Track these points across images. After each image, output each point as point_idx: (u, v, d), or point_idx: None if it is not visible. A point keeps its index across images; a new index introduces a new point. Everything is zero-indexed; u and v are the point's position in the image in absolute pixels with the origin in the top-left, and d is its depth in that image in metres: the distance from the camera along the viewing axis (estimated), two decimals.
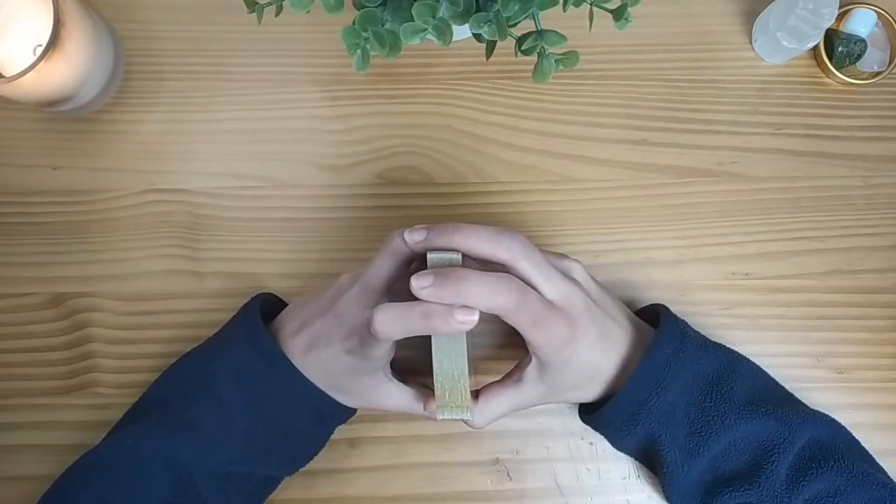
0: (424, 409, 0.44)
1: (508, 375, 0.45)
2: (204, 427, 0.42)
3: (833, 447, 0.43)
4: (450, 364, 0.40)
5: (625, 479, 0.50)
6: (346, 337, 0.42)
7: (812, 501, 0.42)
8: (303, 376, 0.43)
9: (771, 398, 0.45)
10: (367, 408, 0.46)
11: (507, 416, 0.45)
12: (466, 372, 0.40)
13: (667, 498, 0.45)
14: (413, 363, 0.48)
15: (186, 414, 0.43)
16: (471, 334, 0.40)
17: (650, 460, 0.46)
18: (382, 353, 0.42)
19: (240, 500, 0.45)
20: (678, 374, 0.43)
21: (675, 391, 0.43)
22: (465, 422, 0.44)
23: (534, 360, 0.43)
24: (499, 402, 0.44)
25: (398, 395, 0.45)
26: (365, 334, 0.40)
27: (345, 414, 0.46)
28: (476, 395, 0.45)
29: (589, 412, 0.46)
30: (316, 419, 0.45)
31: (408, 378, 0.46)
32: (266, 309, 0.46)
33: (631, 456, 0.48)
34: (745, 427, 0.43)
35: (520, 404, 0.45)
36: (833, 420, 0.45)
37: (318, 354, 0.43)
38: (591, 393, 0.45)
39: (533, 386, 0.44)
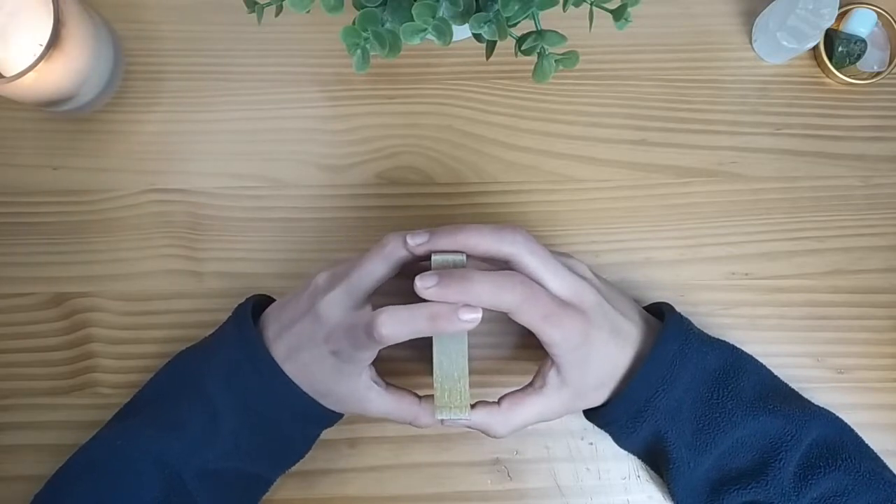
0: (416, 421, 0.44)
1: (530, 383, 0.45)
2: (192, 426, 0.42)
3: (841, 446, 0.43)
4: (450, 365, 0.40)
5: (625, 479, 0.50)
6: (328, 339, 0.41)
7: (820, 500, 0.42)
8: (288, 379, 0.42)
9: (777, 395, 0.45)
10: (351, 413, 0.46)
11: (531, 425, 0.44)
12: (466, 372, 0.40)
13: (672, 496, 0.45)
14: (403, 363, 0.48)
15: (175, 413, 0.43)
16: (470, 334, 0.40)
17: (655, 458, 0.46)
18: (369, 356, 0.42)
19: (231, 499, 0.45)
20: (684, 370, 0.43)
21: (681, 388, 0.43)
22: (481, 430, 0.44)
23: (553, 363, 0.42)
24: (523, 409, 0.43)
25: (379, 402, 0.44)
26: (361, 336, 0.39)
27: (330, 418, 0.45)
28: (499, 402, 0.44)
29: (594, 409, 0.46)
30: (301, 422, 0.45)
31: (392, 382, 0.46)
32: (260, 310, 0.46)
33: (635, 454, 0.48)
34: (753, 424, 0.43)
35: (545, 413, 0.44)
36: (839, 418, 0.45)
37: (300, 357, 0.42)
38: (610, 392, 0.45)
39: (556, 391, 0.43)
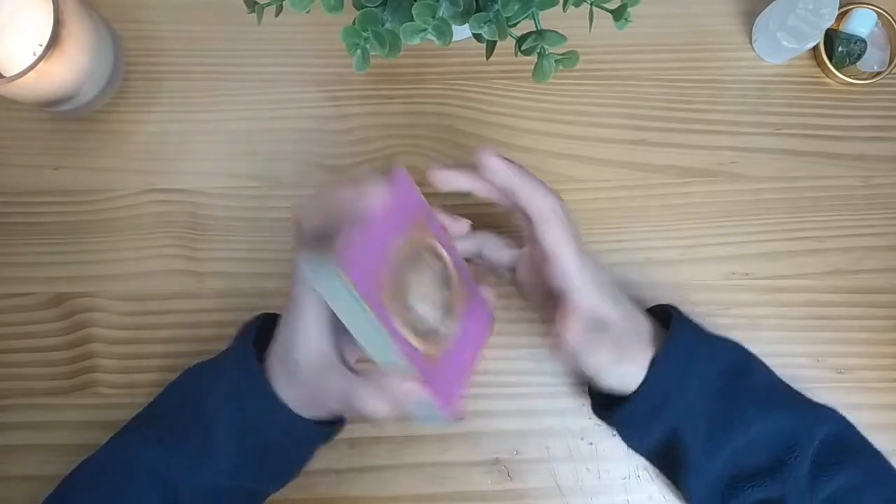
0: (400, 392, 0.40)
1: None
2: (191, 443, 0.42)
3: (851, 442, 0.44)
4: (357, 332, 0.38)
5: (625, 479, 0.50)
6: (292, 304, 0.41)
7: (835, 496, 0.42)
8: (282, 404, 0.42)
9: (785, 392, 0.45)
10: (351, 412, 0.43)
11: (589, 329, 0.42)
12: (377, 323, 0.37)
13: (686, 495, 0.45)
14: None
15: (178, 429, 0.43)
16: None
17: (666, 457, 0.46)
18: (314, 316, 0.40)
19: None
20: (698, 366, 0.43)
21: (696, 385, 0.43)
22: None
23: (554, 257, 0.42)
24: (570, 320, 0.42)
25: (363, 389, 0.40)
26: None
27: (326, 435, 0.45)
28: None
29: (606, 409, 0.46)
30: (299, 444, 0.44)
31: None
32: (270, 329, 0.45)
33: (644, 454, 0.48)
34: (767, 421, 0.43)
35: (587, 309, 0.42)
36: (841, 414, 0.45)
37: (288, 367, 0.42)
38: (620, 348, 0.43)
39: (579, 274, 0.42)
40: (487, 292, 0.46)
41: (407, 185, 0.42)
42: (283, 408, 0.42)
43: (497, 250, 0.46)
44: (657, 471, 0.50)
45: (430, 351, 0.40)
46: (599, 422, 0.50)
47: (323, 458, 0.48)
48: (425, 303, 0.41)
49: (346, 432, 0.49)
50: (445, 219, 0.44)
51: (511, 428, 0.51)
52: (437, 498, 0.50)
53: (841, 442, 0.44)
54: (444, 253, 0.43)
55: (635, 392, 0.43)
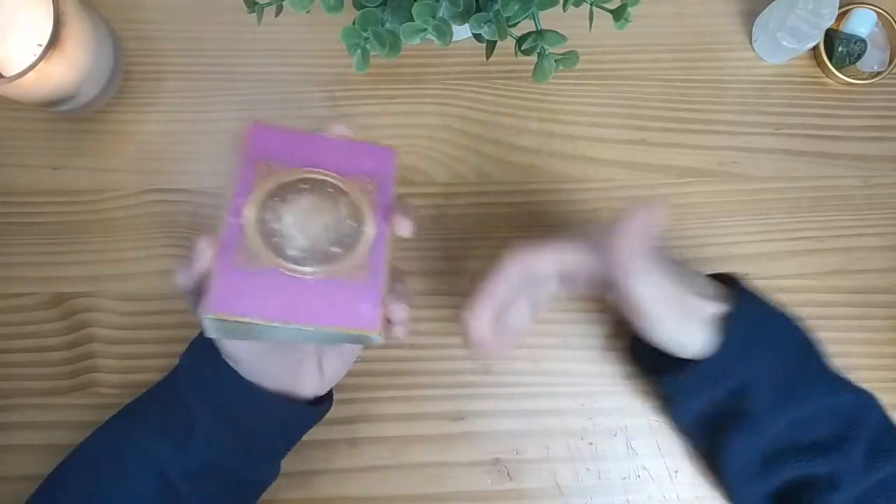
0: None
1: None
2: (173, 429, 0.42)
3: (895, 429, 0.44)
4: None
5: (625, 479, 0.50)
6: None
7: (887, 481, 0.42)
8: (244, 381, 0.42)
9: (840, 372, 0.45)
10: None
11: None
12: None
13: (720, 464, 0.45)
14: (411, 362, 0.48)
15: (163, 416, 0.43)
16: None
17: (715, 420, 0.45)
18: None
19: (223, 500, 0.45)
20: (771, 331, 0.43)
21: (769, 349, 0.43)
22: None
23: None
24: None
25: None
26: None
27: (303, 415, 0.45)
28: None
29: (662, 373, 0.45)
30: (275, 424, 0.44)
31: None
32: None
33: (690, 419, 0.47)
34: (832, 396, 0.43)
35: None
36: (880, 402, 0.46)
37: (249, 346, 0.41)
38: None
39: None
40: (399, 309, 0.39)
41: (388, 161, 0.40)
42: (254, 390, 0.42)
43: (578, 265, 0.43)
44: (688, 448, 0.49)
45: (258, 256, 0.36)
46: (599, 422, 0.50)
47: (323, 458, 0.48)
48: (296, 228, 0.37)
49: (347, 432, 0.49)
50: (398, 209, 0.39)
51: (511, 428, 0.51)
52: (437, 498, 0.50)
53: (891, 428, 0.44)
54: (369, 229, 0.38)
55: (712, 354, 0.42)
